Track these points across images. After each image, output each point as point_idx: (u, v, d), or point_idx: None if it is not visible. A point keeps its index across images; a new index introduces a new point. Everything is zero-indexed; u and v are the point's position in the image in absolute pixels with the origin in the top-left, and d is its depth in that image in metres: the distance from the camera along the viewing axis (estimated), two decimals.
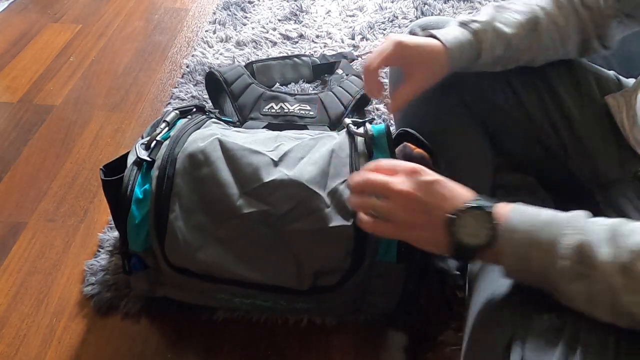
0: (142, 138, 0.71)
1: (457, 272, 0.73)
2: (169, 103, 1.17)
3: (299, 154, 0.66)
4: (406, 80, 0.64)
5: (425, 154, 0.69)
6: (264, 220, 0.61)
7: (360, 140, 0.68)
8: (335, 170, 0.63)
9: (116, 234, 0.84)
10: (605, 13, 0.62)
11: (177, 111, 0.75)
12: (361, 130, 0.68)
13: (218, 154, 0.64)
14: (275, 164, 0.64)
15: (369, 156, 0.65)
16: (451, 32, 0.63)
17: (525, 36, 0.64)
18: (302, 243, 0.61)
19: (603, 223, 0.42)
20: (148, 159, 0.65)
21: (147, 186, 0.64)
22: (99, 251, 0.84)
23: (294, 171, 0.63)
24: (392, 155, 0.65)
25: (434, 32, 0.64)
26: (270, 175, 0.63)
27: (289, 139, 0.70)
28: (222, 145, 0.65)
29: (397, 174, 0.52)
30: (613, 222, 0.42)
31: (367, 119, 0.71)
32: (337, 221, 0.61)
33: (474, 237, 0.47)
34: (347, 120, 0.71)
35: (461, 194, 0.50)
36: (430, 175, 0.50)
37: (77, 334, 0.74)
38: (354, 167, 0.64)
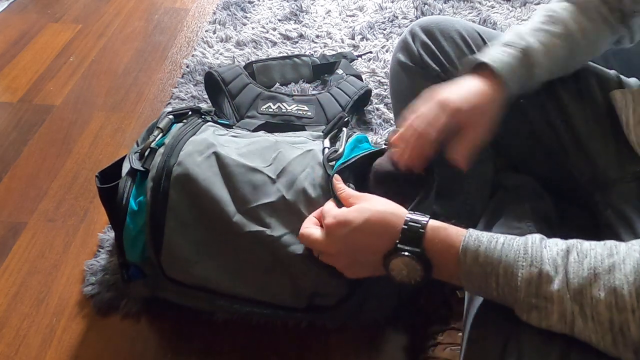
0: (137, 145, 0.70)
1: None
2: (169, 103, 1.17)
3: (298, 168, 0.65)
4: (461, 136, 0.58)
5: None
6: (259, 240, 0.61)
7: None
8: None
9: None
10: (626, 14, 0.62)
11: (171, 116, 0.74)
12: (326, 152, 0.68)
13: (215, 170, 0.63)
14: (273, 181, 0.63)
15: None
16: (499, 57, 0.59)
17: (562, 58, 0.63)
18: (297, 266, 0.60)
19: (557, 248, 0.42)
20: (142, 168, 0.65)
21: (141, 197, 0.63)
22: (99, 251, 0.84)
23: (292, 193, 0.62)
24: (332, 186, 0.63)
25: (484, 60, 0.59)
26: (268, 196, 0.62)
27: (287, 145, 0.69)
28: (219, 160, 0.64)
29: (324, 222, 0.55)
30: (567, 246, 0.42)
31: (340, 127, 0.72)
32: None
33: (408, 277, 0.50)
34: (327, 143, 0.70)
35: (383, 237, 0.50)
36: (350, 223, 0.52)
37: (77, 334, 0.74)
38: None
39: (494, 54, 0.60)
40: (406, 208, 0.53)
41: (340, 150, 0.67)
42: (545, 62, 0.61)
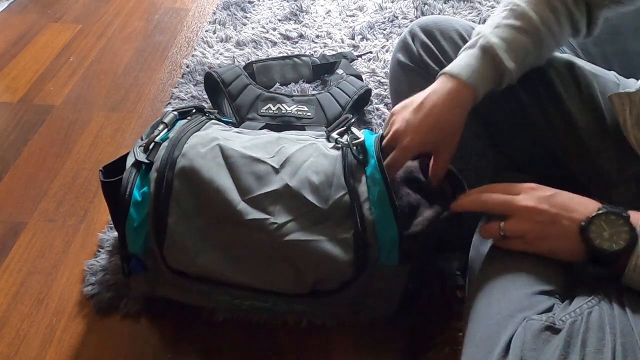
0: (142, 140, 0.71)
1: (457, 272, 0.73)
2: (169, 103, 1.17)
3: (301, 158, 0.65)
4: (436, 156, 0.64)
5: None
6: (262, 228, 0.61)
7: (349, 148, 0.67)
8: (338, 181, 0.63)
9: (116, 233, 0.84)
10: (595, 4, 0.63)
11: (175, 112, 0.75)
12: (345, 139, 0.68)
13: (219, 161, 0.64)
14: (277, 171, 0.64)
15: (363, 164, 0.64)
16: (459, 62, 0.62)
17: (529, 51, 0.63)
18: (300, 253, 0.61)
19: None
20: (146, 160, 0.65)
21: (145, 189, 0.64)
22: (99, 251, 0.84)
23: (295, 180, 0.63)
24: (382, 160, 0.63)
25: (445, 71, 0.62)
26: (271, 184, 0.63)
27: (290, 141, 0.70)
28: (223, 151, 0.65)
29: (513, 193, 0.53)
30: None
31: (347, 126, 0.72)
32: (337, 233, 0.61)
33: (612, 242, 0.46)
34: (334, 135, 0.70)
35: (585, 202, 0.50)
36: (547, 189, 0.52)
37: (77, 334, 0.74)
38: (349, 178, 0.63)
39: (456, 61, 0.62)
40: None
41: (361, 137, 0.67)
42: (512, 57, 0.61)
